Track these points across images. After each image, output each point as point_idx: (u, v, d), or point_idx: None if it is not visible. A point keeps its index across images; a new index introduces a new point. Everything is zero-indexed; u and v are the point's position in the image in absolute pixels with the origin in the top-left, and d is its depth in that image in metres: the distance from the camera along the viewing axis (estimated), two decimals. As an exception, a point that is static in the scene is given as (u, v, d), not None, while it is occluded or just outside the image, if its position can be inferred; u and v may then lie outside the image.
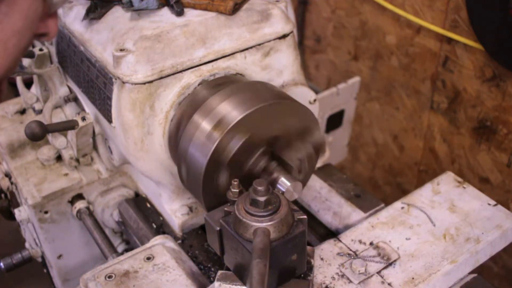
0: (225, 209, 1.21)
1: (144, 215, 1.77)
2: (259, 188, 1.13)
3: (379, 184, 3.33)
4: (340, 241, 1.43)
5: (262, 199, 1.13)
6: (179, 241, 1.64)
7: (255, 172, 1.36)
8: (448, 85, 2.63)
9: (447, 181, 1.61)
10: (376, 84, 3.08)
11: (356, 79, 2.56)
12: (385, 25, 2.85)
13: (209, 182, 1.35)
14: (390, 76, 2.96)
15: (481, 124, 2.54)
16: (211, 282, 1.47)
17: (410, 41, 2.74)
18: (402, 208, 1.53)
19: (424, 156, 2.95)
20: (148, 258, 1.38)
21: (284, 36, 1.57)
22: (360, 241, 1.43)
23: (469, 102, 2.56)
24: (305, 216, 1.19)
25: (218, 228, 1.20)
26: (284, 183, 1.35)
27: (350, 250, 1.41)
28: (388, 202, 1.61)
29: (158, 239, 1.47)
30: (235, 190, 1.23)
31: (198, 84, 1.48)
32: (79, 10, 1.64)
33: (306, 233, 1.18)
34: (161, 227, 1.71)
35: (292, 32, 1.59)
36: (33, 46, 1.98)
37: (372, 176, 3.38)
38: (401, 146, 3.08)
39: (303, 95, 1.63)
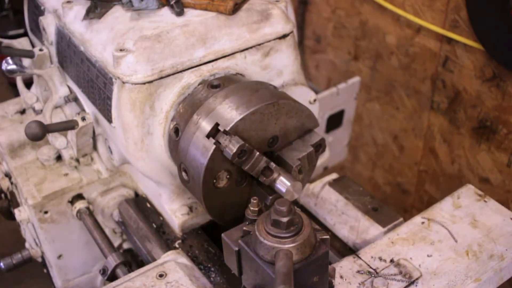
0: (244, 228, 1.15)
1: (144, 215, 1.77)
2: (281, 208, 1.07)
3: (379, 184, 3.33)
4: (359, 258, 1.40)
5: (284, 219, 1.07)
6: (179, 241, 1.64)
7: (255, 172, 1.36)
8: (448, 85, 2.63)
9: (467, 195, 1.57)
10: (376, 84, 3.08)
11: (356, 79, 2.57)
12: (385, 25, 2.86)
13: (209, 182, 1.35)
14: (390, 76, 2.96)
15: (481, 124, 2.54)
16: (212, 283, 1.48)
17: (410, 41, 2.74)
18: (422, 223, 1.49)
19: (424, 156, 2.95)
20: (161, 275, 1.34)
21: (284, 36, 1.57)
22: (380, 258, 1.39)
23: (469, 102, 2.56)
24: (328, 236, 1.14)
25: (236, 249, 1.15)
26: (283, 182, 1.35)
27: (371, 267, 1.37)
28: (388, 202, 1.59)
29: (170, 255, 1.44)
30: (254, 209, 1.17)
31: (198, 84, 1.48)
32: (79, 10, 1.64)
33: (329, 254, 1.14)
34: (161, 227, 1.71)
35: (292, 32, 1.59)
36: (33, 46, 1.99)
37: (372, 176, 3.38)
38: (401, 146, 3.08)
39: (303, 95, 1.63)
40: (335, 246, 1.62)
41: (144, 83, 1.42)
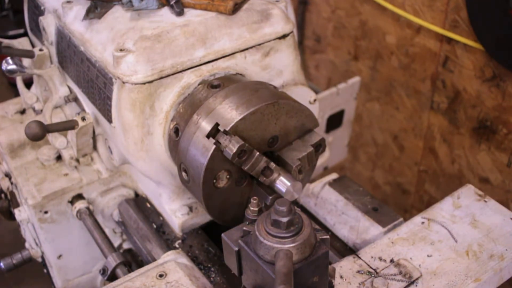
0: (244, 228, 1.15)
1: (144, 215, 1.77)
2: (281, 208, 1.07)
3: (379, 184, 3.33)
4: (359, 258, 1.40)
5: (284, 219, 1.07)
6: (179, 241, 1.64)
7: (255, 172, 1.36)
8: (448, 85, 2.63)
9: (467, 195, 1.57)
10: (376, 84, 3.08)
11: (356, 79, 2.56)
12: (385, 25, 2.86)
13: (209, 182, 1.35)
14: (390, 76, 2.96)
15: (481, 124, 2.54)
16: (212, 283, 1.47)
17: (410, 41, 2.74)
18: (422, 223, 1.49)
19: (424, 156, 2.95)
20: (161, 275, 1.33)
21: (284, 36, 1.57)
22: (380, 258, 1.39)
23: (469, 102, 2.56)
24: (328, 236, 1.14)
25: (236, 249, 1.15)
26: (283, 182, 1.35)
27: (371, 267, 1.37)
28: (388, 202, 1.59)
29: (170, 255, 1.44)
30: (254, 209, 1.17)
31: (198, 84, 1.48)
32: (79, 10, 1.64)
33: (329, 254, 1.13)
34: (161, 227, 1.71)
35: (292, 32, 1.59)
36: (33, 46, 1.99)
37: (372, 176, 3.38)
38: (401, 146, 3.08)
39: (303, 95, 1.63)
40: (335, 246, 1.61)
41: (144, 83, 1.42)
